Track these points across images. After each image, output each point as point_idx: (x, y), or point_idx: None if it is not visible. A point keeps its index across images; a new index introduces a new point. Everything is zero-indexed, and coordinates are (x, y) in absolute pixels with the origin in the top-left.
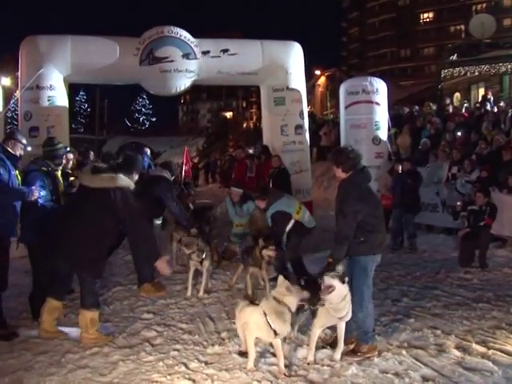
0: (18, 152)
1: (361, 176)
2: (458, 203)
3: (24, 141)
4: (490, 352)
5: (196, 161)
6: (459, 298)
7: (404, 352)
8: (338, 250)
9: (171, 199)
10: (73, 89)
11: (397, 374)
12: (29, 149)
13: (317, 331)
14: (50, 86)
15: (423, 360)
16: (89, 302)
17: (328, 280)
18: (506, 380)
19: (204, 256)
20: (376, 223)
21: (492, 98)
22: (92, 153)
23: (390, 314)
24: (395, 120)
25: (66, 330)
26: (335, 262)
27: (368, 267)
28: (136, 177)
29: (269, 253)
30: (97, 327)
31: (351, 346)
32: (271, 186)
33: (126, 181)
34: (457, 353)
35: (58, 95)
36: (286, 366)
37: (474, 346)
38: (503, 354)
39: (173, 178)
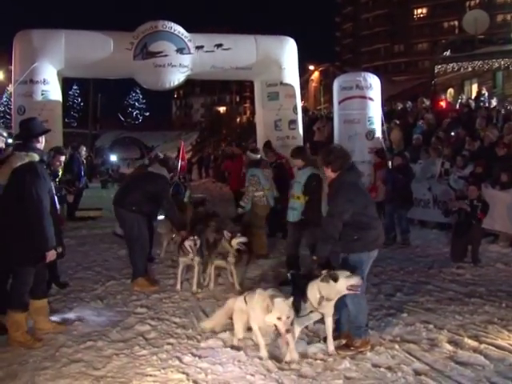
0: (0, 145)
1: (350, 175)
2: (455, 201)
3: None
4: (482, 346)
5: (189, 156)
6: (452, 293)
7: (397, 346)
8: (321, 249)
9: (166, 198)
10: (66, 83)
11: (389, 368)
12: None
13: (299, 328)
14: (44, 81)
15: (416, 354)
16: (14, 303)
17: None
18: (497, 374)
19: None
20: (369, 221)
21: (487, 94)
22: (84, 148)
23: (383, 309)
24: (388, 115)
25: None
26: (320, 260)
27: (363, 264)
28: (42, 141)
29: (240, 240)
30: (22, 330)
31: (344, 341)
32: None
33: (22, 156)
34: (449, 347)
35: (51, 89)
36: (278, 360)
37: (466, 340)
38: (495, 349)
39: (171, 175)
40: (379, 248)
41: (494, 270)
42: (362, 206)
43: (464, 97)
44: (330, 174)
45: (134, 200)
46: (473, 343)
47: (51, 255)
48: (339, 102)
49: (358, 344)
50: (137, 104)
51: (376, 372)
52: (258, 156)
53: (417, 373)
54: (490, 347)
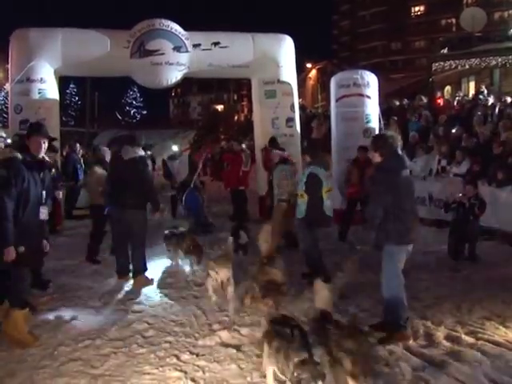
0: None
1: (396, 160)
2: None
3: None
4: (479, 343)
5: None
6: (449, 290)
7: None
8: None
9: (137, 180)
10: (63, 82)
11: (387, 365)
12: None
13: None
14: (41, 79)
15: (413, 350)
16: (12, 301)
17: None
18: (494, 370)
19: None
20: (404, 213)
21: (486, 91)
22: (78, 145)
23: (381, 306)
24: (386, 113)
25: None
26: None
27: (395, 256)
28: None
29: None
30: (20, 328)
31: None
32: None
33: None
34: (446, 343)
35: (48, 88)
36: None
37: (464, 336)
38: (492, 345)
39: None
40: (414, 243)
41: (491, 267)
42: (401, 196)
43: (461, 94)
44: (377, 158)
45: (130, 197)
46: (470, 340)
47: (8, 253)
48: (336, 100)
49: (398, 337)
50: (134, 102)
51: (374, 368)
52: (286, 153)
53: (414, 369)
54: (488, 344)
